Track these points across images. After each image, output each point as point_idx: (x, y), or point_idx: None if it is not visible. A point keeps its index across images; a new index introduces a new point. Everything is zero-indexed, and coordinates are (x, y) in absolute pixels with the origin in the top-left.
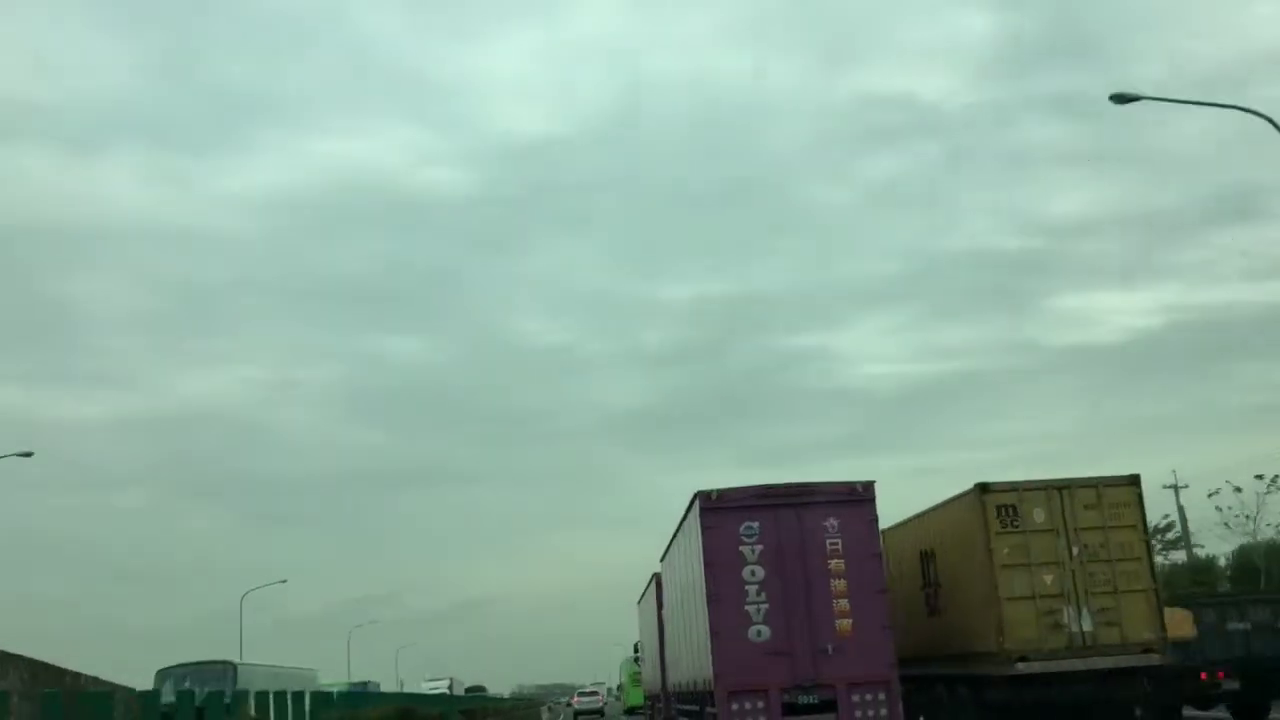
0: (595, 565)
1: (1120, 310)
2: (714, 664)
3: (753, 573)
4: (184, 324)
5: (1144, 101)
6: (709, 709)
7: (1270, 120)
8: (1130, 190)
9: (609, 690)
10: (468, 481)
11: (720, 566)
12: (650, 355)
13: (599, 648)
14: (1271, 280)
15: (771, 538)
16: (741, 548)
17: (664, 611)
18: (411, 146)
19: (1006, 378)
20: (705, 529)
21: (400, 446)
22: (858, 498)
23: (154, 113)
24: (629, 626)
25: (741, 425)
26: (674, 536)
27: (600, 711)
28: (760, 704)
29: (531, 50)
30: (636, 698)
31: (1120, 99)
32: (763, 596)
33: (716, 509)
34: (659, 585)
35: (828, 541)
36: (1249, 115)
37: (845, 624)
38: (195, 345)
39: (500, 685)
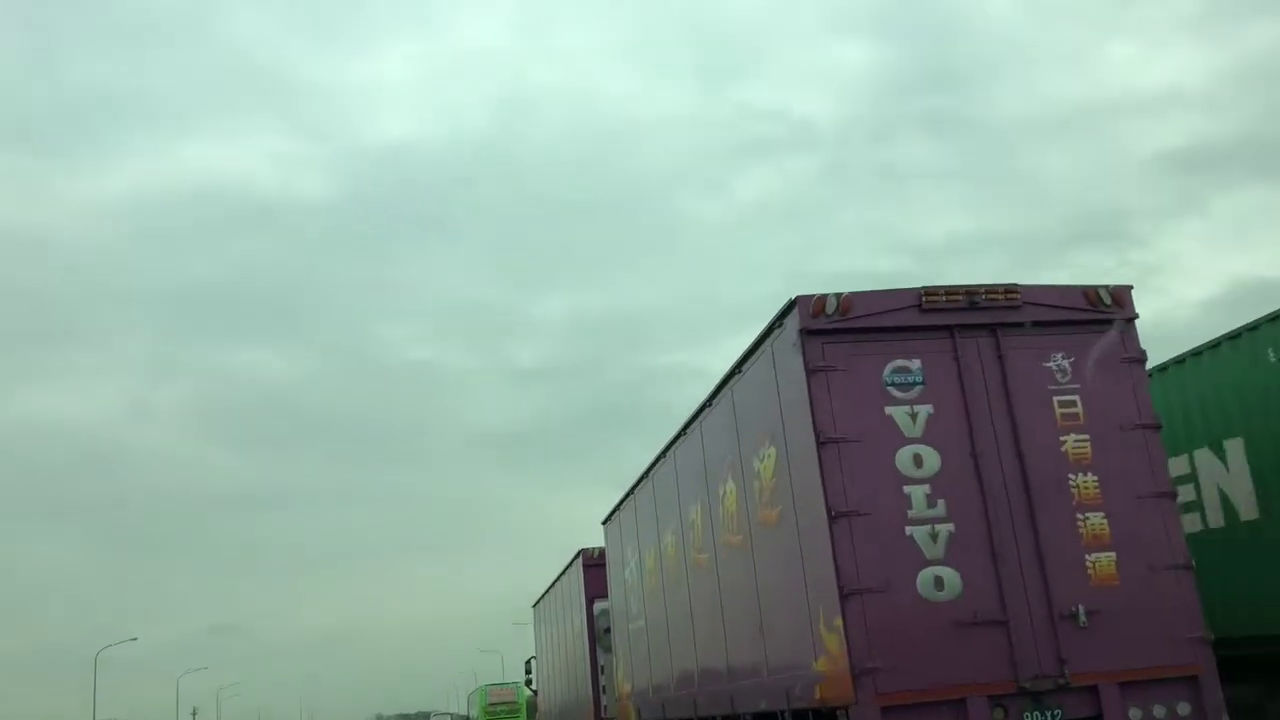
0: (463, 590)
1: None
2: (850, 648)
3: (917, 460)
4: (26, 333)
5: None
6: None
7: None
8: (998, 212)
9: None
10: (327, 503)
11: (850, 447)
12: (521, 371)
13: (467, 674)
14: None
15: (948, 391)
16: (891, 409)
17: (608, 601)
18: (278, 152)
19: None
20: (814, 371)
21: (256, 466)
22: (1105, 315)
23: (4, 111)
24: (490, 654)
25: (614, 446)
26: (683, 431)
27: None
28: None
29: (409, 59)
30: None
31: None
32: (940, 508)
33: (838, 331)
34: (587, 564)
35: (1057, 400)
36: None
37: (1105, 562)
38: (37, 356)
39: (360, 714)
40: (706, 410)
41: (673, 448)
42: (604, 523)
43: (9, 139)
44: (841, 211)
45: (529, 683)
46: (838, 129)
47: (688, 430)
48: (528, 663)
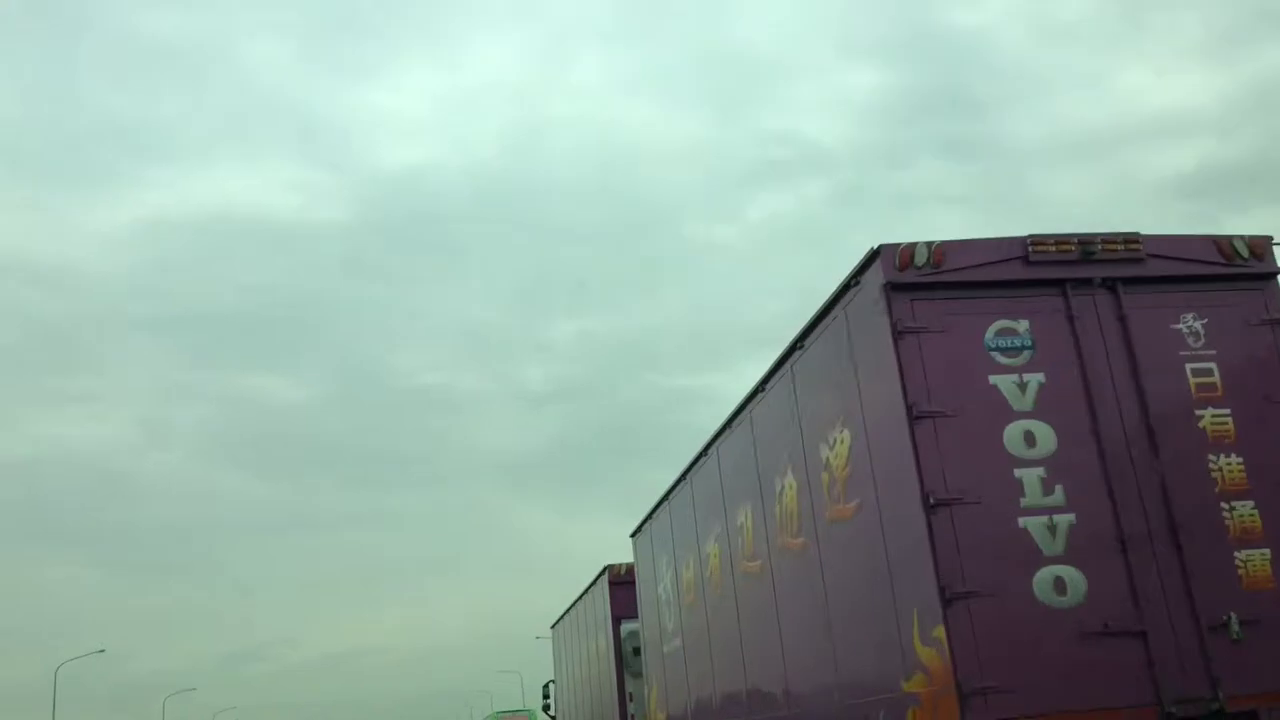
0: (476, 614)
1: None
2: (955, 665)
3: (1028, 438)
4: (43, 362)
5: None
6: None
7: None
8: (1013, 236)
9: None
10: (340, 528)
11: (949, 422)
12: (534, 396)
13: (482, 696)
14: None
15: (1062, 356)
16: (995, 378)
17: (637, 621)
18: (292, 180)
19: None
20: (904, 334)
21: (270, 492)
22: (1242, 270)
23: (23, 143)
24: (509, 675)
25: (628, 468)
26: (728, 425)
27: None
28: None
29: (424, 89)
30: None
31: None
32: (1058, 495)
33: (930, 286)
34: (613, 582)
35: (1190, 368)
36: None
37: (1258, 561)
38: (55, 384)
39: None
40: (759, 396)
41: (716, 443)
42: (633, 535)
43: (28, 171)
44: (855, 234)
45: (546, 708)
46: (851, 152)
47: (734, 423)
48: (545, 687)
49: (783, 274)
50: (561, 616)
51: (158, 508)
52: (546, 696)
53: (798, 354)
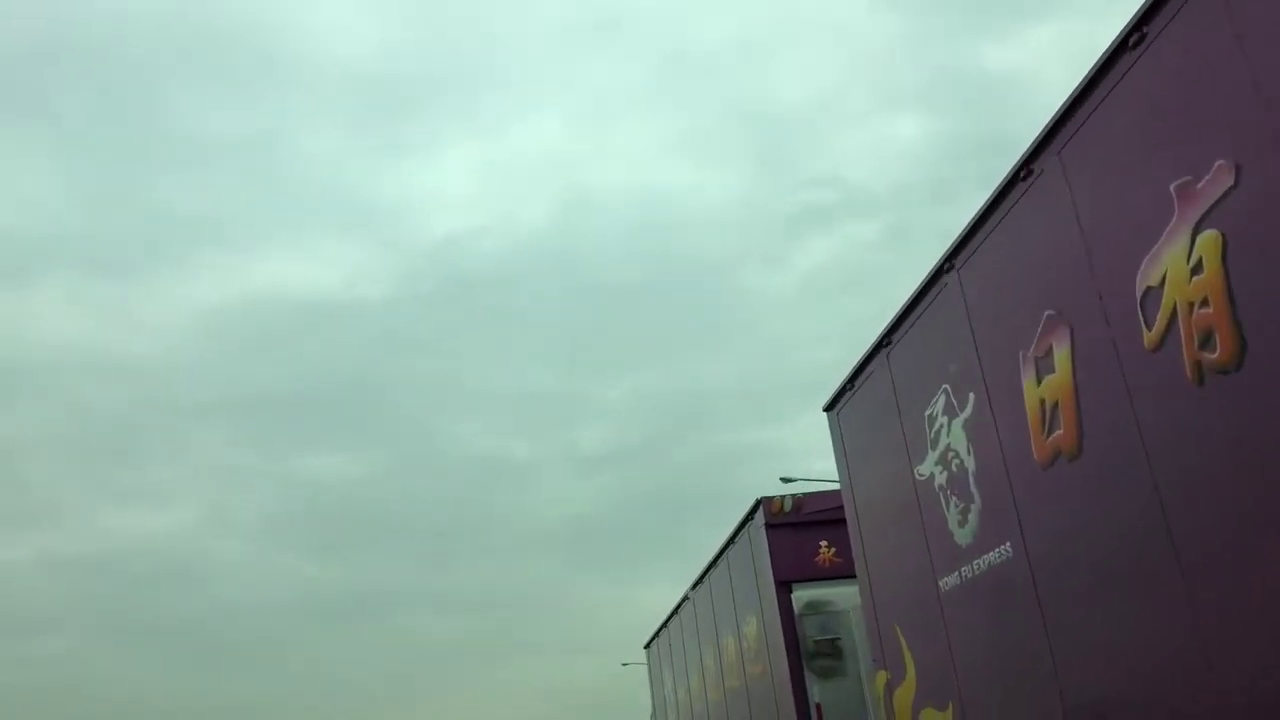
0: (542, 693)
1: None
2: None
3: None
4: (104, 452)
5: None
6: None
7: None
8: None
9: None
10: (402, 607)
11: None
12: (589, 457)
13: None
14: None
15: None
16: None
17: (815, 587)
18: (342, 257)
19: None
20: None
21: (333, 572)
22: None
23: (87, 240)
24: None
25: (689, 529)
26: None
27: None
28: None
29: (468, 162)
30: None
31: None
32: None
33: None
34: (772, 525)
35: None
36: None
37: None
38: (125, 477)
39: None
40: None
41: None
42: (827, 408)
43: (90, 265)
44: (904, 275)
45: None
46: (896, 193)
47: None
48: None
49: (831, 320)
50: (665, 622)
51: (219, 594)
52: None
53: None
